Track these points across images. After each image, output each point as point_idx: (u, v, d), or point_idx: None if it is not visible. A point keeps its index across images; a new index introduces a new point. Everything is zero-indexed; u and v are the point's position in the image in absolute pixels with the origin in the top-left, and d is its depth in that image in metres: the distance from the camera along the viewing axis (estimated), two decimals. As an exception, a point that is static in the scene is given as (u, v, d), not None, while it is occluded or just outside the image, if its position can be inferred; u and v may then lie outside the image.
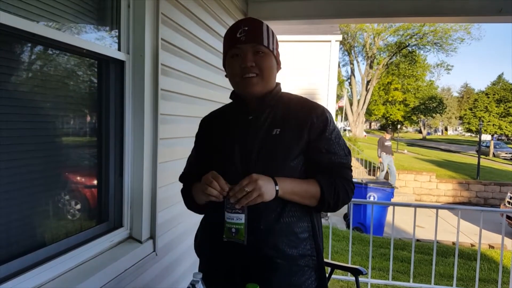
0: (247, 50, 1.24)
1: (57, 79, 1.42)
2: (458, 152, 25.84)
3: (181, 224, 2.13)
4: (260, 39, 1.24)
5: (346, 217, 7.75)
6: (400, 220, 5.87)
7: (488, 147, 25.64)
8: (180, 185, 2.01)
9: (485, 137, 28.58)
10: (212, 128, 1.40)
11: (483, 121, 25.05)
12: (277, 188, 1.18)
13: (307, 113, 1.29)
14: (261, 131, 1.27)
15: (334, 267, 2.43)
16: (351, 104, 27.82)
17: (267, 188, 1.15)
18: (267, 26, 1.29)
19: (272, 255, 1.26)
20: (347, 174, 1.32)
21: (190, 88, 2.16)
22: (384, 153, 11.45)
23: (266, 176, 1.17)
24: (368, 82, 28.05)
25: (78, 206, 1.56)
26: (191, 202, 1.38)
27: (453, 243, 5.53)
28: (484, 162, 16.39)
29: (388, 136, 11.74)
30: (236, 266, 1.28)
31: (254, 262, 1.27)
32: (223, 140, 1.33)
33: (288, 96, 1.36)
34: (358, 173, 12.27)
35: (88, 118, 1.62)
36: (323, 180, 1.26)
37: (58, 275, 1.27)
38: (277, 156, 1.25)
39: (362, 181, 8.05)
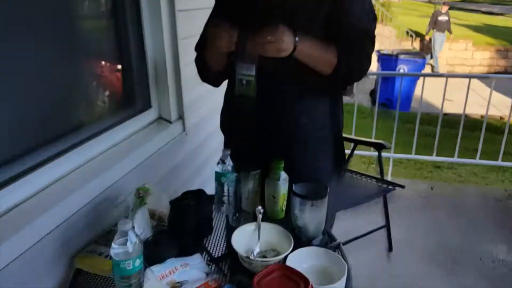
0: None
1: None
2: (502, 15, 23.23)
3: (208, 103, 2.16)
4: None
5: (372, 93, 7.60)
6: (429, 94, 5.71)
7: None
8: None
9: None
10: None
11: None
12: (296, 42, 1.13)
13: None
14: None
15: (357, 142, 2.50)
16: (386, -34, 24.68)
17: (287, 44, 1.12)
18: None
19: (292, 129, 1.29)
20: (367, 45, 1.23)
21: None
22: (436, 31, 9.76)
23: (288, 30, 1.12)
24: None
25: (105, 91, 1.59)
26: (205, 70, 1.37)
27: (482, 116, 5.46)
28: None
29: (445, 9, 9.91)
30: (257, 140, 1.33)
31: (275, 135, 1.31)
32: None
33: None
34: (389, 44, 11.45)
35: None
36: (342, 48, 1.20)
37: (94, 156, 1.35)
38: (297, 17, 1.19)
39: (392, 52, 7.63)
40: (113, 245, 0.90)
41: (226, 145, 1.51)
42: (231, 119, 1.42)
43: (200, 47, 1.39)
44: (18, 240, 0.94)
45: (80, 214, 1.15)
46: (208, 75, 1.41)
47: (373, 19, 1.24)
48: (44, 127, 1.22)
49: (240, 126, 1.37)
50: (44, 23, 1.21)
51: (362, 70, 1.25)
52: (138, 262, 0.92)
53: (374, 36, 1.25)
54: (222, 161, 1.34)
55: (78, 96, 1.40)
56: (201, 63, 1.38)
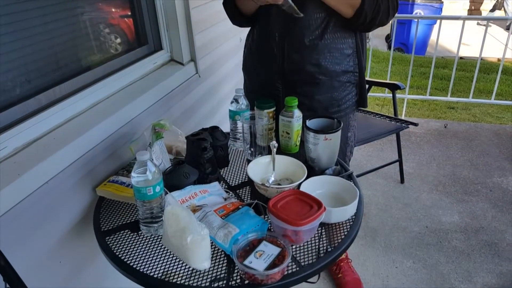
0: None
1: None
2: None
3: (221, 47, 2.14)
4: None
5: (388, 38, 7.38)
6: (445, 38, 5.53)
7: None
8: (212, 5, 1.92)
9: None
10: None
11: None
12: None
13: None
14: None
15: (371, 83, 2.48)
16: None
17: None
18: None
19: (314, 71, 1.29)
20: None
21: None
22: None
23: None
24: None
25: (117, 34, 1.58)
26: (235, 13, 1.36)
27: (498, 60, 5.29)
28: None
29: None
30: (280, 83, 1.33)
31: (297, 77, 1.31)
32: None
33: None
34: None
35: None
36: None
37: (110, 94, 1.38)
38: None
39: (409, -4, 7.28)
40: (132, 174, 0.93)
41: (246, 85, 1.51)
42: (255, 56, 1.41)
43: None
44: (41, 170, 0.99)
45: (99, 149, 1.19)
46: (237, 18, 1.39)
47: None
48: (60, 65, 1.24)
49: (262, 65, 1.37)
50: None
51: (387, 13, 1.22)
52: (158, 188, 0.96)
53: None
54: (235, 100, 1.36)
55: (92, 36, 1.40)
56: (230, 6, 1.37)
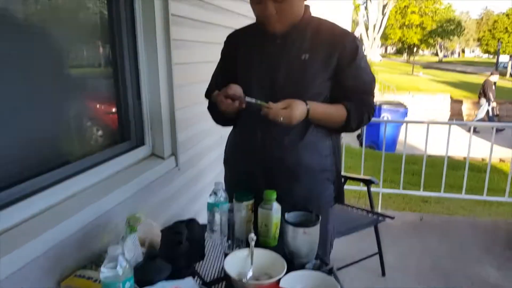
0: (268, 0, 1.20)
1: (69, 9, 1.40)
2: (475, 74, 25.03)
3: (202, 142, 2.21)
4: None
5: (359, 137, 7.87)
6: (412, 138, 5.94)
7: (506, 67, 24.78)
8: (196, 107, 2.04)
9: (504, 58, 27.51)
10: (238, 47, 1.39)
11: (502, 42, 23.97)
12: (308, 112, 1.22)
13: (337, 39, 1.28)
14: (289, 56, 1.28)
15: (347, 178, 2.57)
16: (367, 29, 26.79)
17: (301, 115, 1.20)
18: None
19: (295, 169, 1.34)
20: (370, 100, 1.36)
21: (202, 14, 2.10)
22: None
23: (301, 103, 1.20)
24: (384, 6, 26.67)
25: (100, 131, 1.63)
26: (218, 117, 1.44)
27: (464, 158, 5.62)
28: (501, 82, 15.89)
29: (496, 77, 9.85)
30: (260, 177, 1.37)
31: (278, 173, 1.35)
32: (250, 61, 1.33)
33: (318, 20, 1.32)
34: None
35: (102, 47, 1.62)
36: (350, 107, 1.30)
37: (86, 187, 1.36)
38: (305, 81, 1.27)
39: (376, 102, 8.00)
40: (102, 269, 0.88)
41: (227, 178, 1.54)
42: (236, 151, 1.46)
43: (210, 93, 1.46)
44: (4, 264, 0.92)
45: (69, 241, 1.14)
46: (220, 121, 1.48)
47: (373, 80, 1.38)
48: (40, 158, 1.24)
49: (244, 160, 1.41)
50: (48, 67, 1.29)
51: (368, 120, 1.37)
52: (128, 284, 0.90)
53: (374, 93, 1.39)
54: (214, 193, 1.37)
55: (75, 131, 1.44)
56: (212, 109, 1.43)
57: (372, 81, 1.36)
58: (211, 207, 1.36)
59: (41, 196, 1.16)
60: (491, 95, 9.53)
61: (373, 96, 1.38)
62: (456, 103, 12.54)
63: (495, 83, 9.84)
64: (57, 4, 1.38)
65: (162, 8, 1.72)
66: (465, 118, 12.28)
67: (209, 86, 1.50)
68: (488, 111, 9.81)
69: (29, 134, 1.20)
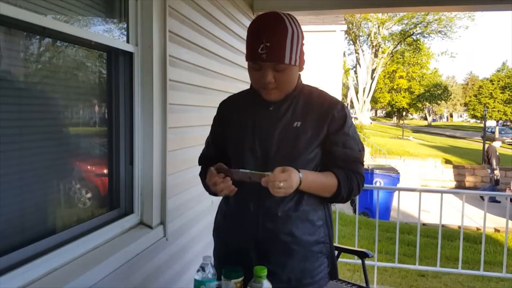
0: (268, 68, 1.22)
1: (68, 71, 1.46)
2: (464, 138, 25.80)
3: (192, 209, 2.18)
4: (281, 58, 1.20)
5: (352, 202, 7.80)
6: (406, 205, 5.91)
7: (493, 132, 25.58)
8: (188, 172, 2.04)
9: (490, 123, 28.57)
10: (231, 114, 1.42)
11: (488, 108, 25.07)
12: (301, 181, 1.22)
13: (328, 107, 1.32)
14: (281, 123, 1.31)
15: (341, 250, 2.50)
16: (356, 93, 27.97)
17: (295, 184, 1.20)
18: (292, 32, 1.21)
19: (288, 241, 1.31)
20: (360, 169, 1.37)
21: (198, 79, 2.20)
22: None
23: (294, 170, 1.20)
24: (373, 70, 28.05)
25: (89, 194, 1.62)
26: (208, 186, 1.43)
27: (459, 227, 5.57)
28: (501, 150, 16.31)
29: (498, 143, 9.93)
30: (252, 250, 1.33)
31: (271, 246, 1.32)
32: (242, 128, 1.35)
33: (309, 88, 1.37)
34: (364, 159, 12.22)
35: (99, 109, 1.67)
36: (340, 175, 1.31)
37: (70, 260, 1.32)
38: (297, 149, 1.29)
39: (368, 167, 8.09)
40: None
41: (216, 250, 1.49)
42: (227, 222, 1.44)
43: (203, 163, 1.48)
44: None
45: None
46: (211, 191, 1.45)
47: (362, 148, 1.41)
48: (23, 228, 1.21)
49: (234, 231, 1.39)
50: (40, 126, 1.31)
51: (358, 189, 1.37)
52: None
53: (363, 161, 1.41)
54: (202, 268, 1.32)
55: (63, 193, 1.43)
56: (204, 178, 1.41)
57: (361, 149, 1.38)
58: (198, 285, 1.30)
59: (24, 269, 1.12)
60: (494, 162, 9.48)
61: (363, 165, 1.39)
62: (447, 169, 12.71)
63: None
64: (56, 62, 1.42)
65: (161, 74, 1.79)
66: (457, 185, 12.37)
67: (201, 154, 1.52)
68: (490, 178, 9.79)
69: (11, 200, 1.17)
